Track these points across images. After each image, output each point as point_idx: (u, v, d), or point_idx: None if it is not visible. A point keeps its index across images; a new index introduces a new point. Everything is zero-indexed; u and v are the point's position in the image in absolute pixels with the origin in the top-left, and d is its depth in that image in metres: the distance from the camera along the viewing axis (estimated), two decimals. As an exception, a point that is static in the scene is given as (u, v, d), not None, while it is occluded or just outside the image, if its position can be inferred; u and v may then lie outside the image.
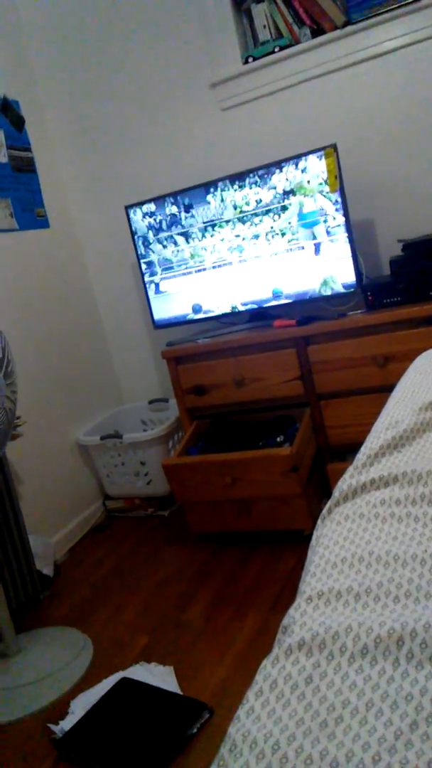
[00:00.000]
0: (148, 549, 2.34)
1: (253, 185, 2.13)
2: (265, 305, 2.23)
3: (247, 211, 2.16)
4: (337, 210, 2.04)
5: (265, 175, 2.11)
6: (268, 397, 2.20)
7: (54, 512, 2.46)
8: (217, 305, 2.30)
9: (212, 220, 2.22)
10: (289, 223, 2.11)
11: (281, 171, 2.08)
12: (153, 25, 2.40)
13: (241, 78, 2.31)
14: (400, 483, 0.90)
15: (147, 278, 2.38)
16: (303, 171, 2.05)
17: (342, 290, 2.09)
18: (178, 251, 2.30)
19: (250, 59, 2.27)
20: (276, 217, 2.13)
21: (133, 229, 2.36)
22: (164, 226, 2.30)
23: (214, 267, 2.26)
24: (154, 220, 2.30)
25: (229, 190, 2.16)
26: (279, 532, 2.16)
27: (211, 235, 2.23)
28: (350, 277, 2.07)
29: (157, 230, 2.31)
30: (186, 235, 2.27)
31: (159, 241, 2.32)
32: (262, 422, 2.28)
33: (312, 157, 2.03)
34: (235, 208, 2.18)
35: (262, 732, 0.53)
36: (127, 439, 2.48)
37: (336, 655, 0.60)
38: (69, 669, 1.71)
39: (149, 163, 2.57)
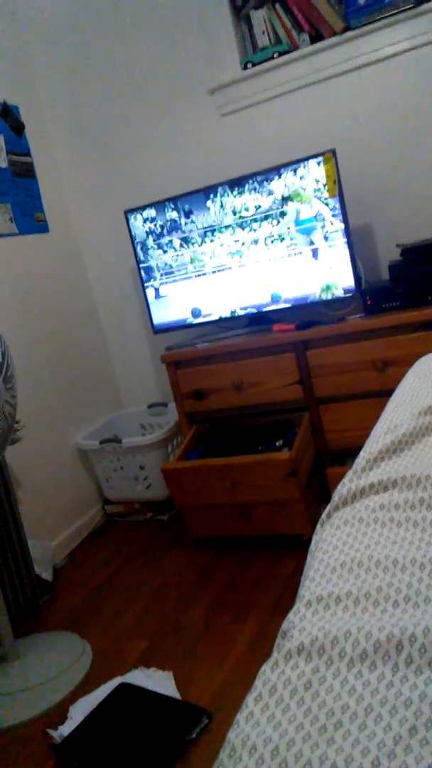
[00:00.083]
0: (147, 553, 2.34)
1: (252, 191, 2.13)
2: (265, 309, 2.24)
3: (246, 217, 2.17)
4: (334, 215, 2.05)
5: (264, 181, 2.11)
6: (268, 401, 2.20)
7: (53, 516, 2.46)
8: (217, 310, 2.31)
9: (212, 226, 2.22)
10: (288, 228, 2.12)
11: (279, 177, 2.09)
12: (152, 31, 2.41)
13: (240, 84, 2.32)
14: (399, 487, 0.90)
15: (147, 283, 2.39)
16: (301, 178, 2.06)
17: (341, 295, 2.10)
18: (177, 256, 2.31)
19: (249, 65, 2.28)
20: (275, 222, 2.13)
21: (133, 234, 2.36)
22: (164, 231, 2.30)
23: (213, 272, 2.27)
24: (155, 225, 2.31)
25: (228, 195, 2.17)
26: (278, 536, 2.15)
27: (211, 241, 2.24)
28: (349, 282, 2.08)
29: (157, 235, 2.32)
30: (186, 241, 2.28)
31: (159, 246, 2.32)
32: (261, 426, 2.28)
33: (310, 163, 2.04)
34: (234, 213, 2.18)
35: (261, 737, 0.53)
36: (126, 444, 2.48)
37: (335, 660, 0.60)
38: (68, 674, 1.71)
39: (148, 168, 2.58)
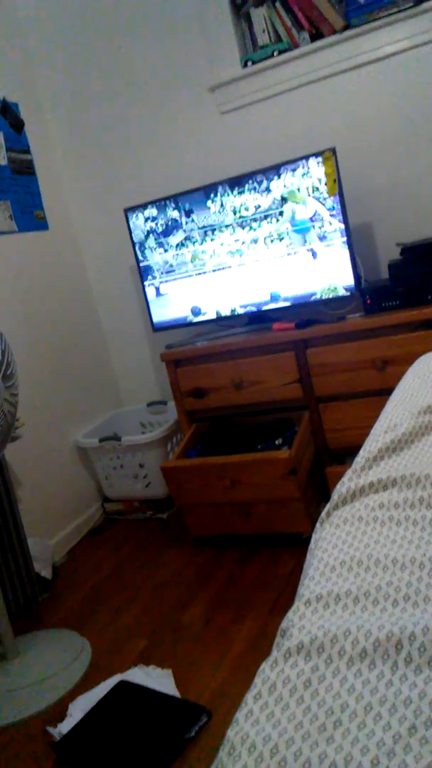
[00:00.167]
0: (146, 552, 2.34)
1: (252, 191, 2.13)
2: (264, 308, 2.24)
3: (246, 217, 2.17)
4: (332, 215, 2.05)
5: (264, 180, 2.11)
6: (267, 400, 2.20)
7: (52, 514, 2.46)
8: (217, 308, 2.31)
9: (212, 225, 2.22)
10: (286, 228, 2.12)
11: (279, 176, 2.09)
12: (153, 28, 2.40)
13: (240, 82, 2.32)
14: (398, 486, 0.90)
15: (147, 281, 2.39)
16: (302, 176, 2.06)
17: (341, 294, 2.10)
18: (177, 255, 2.30)
19: (249, 63, 2.28)
20: (274, 221, 2.13)
21: (133, 232, 2.36)
22: (165, 229, 2.30)
23: (214, 270, 2.27)
24: (156, 224, 2.31)
25: (228, 195, 2.17)
26: (278, 535, 2.15)
27: (212, 240, 2.24)
28: (349, 281, 2.08)
29: (158, 234, 2.32)
30: (187, 239, 2.28)
31: (160, 245, 2.32)
32: (260, 425, 2.28)
33: (308, 162, 2.04)
34: (234, 213, 2.18)
35: (260, 735, 0.53)
36: (125, 442, 2.48)
37: (335, 658, 0.60)
38: (67, 672, 1.71)
39: (148, 165, 2.58)
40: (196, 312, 2.34)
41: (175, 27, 2.37)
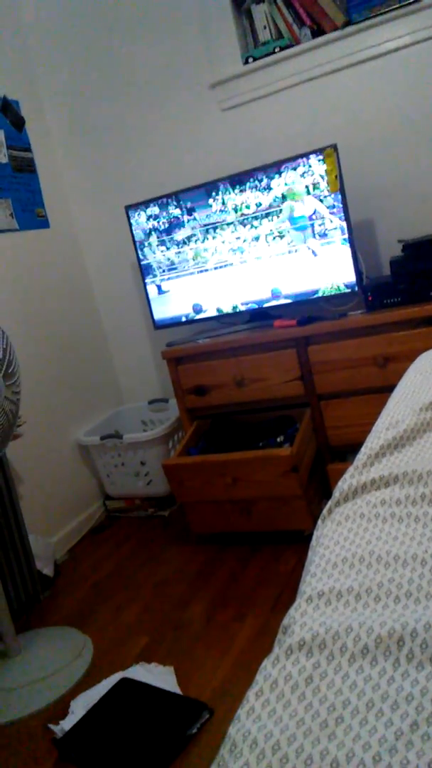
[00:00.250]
0: (148, 549, 2.34)
1: (253, 189, 2.13)
2: (265, 305, 2.23)
3: (248, 215, 2.16)
4: (332, 213, 2.04)
5: (265, 178, 2.11)
6: (269, 397, 2.20)
7: (54, 512, 2.46)
8: (218, 305, 2.30)
9: (214, 223, 2.22)
10: (287, 226, 2.11)
11: (279, 174, 2.08)
12: (153, 25, 2.40)
13: (241, 78, 2.31)
14: (400, 483, 0.90)
15: (148, 279, 2.38)
16: (302, 174, 2.05)
17: (342, 290, 2.09)
18: (179, 252, 2.30)
19: (251, 60, 2.27)
20: (275, 218, 2.13)
21: (133, 229, 2.36)
22: (166, 227, 2.30)
23: (216, 268, 2.26)
24: (158, 222, 2.30)
25: (230, 193, 2.17)
26: (279, 532, 2.15)
27: (213, 237, 2.23)
28: (350, 278, 2.07)
29: (160, 232, 2.31)
30: (188, 237, 2.27)
31: (162, 243, 2.32)
32: (262, 422, 2.28)
33: (309, 159, 2.03)
34: (236, 211, 2.18)
35: (262, 732, 0.53)
36: (127, 440, 2.48)
37: (336, 655, 0.60)
38: (69, 669, 1.71)
39: (149, 163, 2.57)
40: (197, 309, 2.34)
41: (175, 24, 2.36)
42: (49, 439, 2.48)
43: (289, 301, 2.19)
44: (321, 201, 2.04)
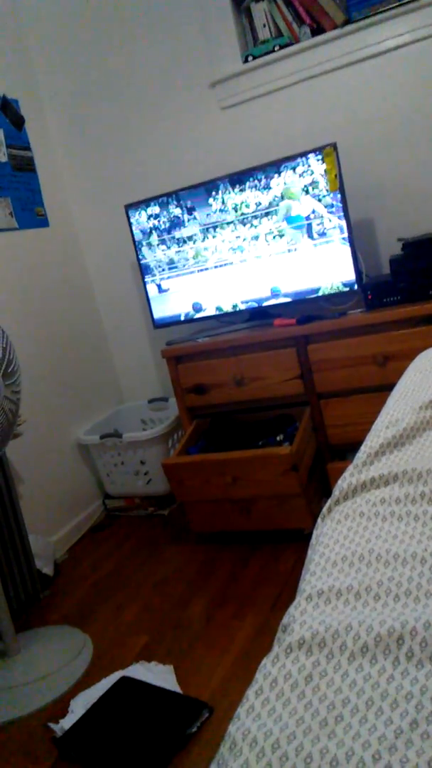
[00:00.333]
0: (148, 548, 2.34)
1: (253, 188, 2.13)
2: (265, 304, 2.23)
3: (247, 214, 2.16)
4: (330, 212, 2.04)
5: (264, 177, 2.11)
6: (268, 396, 2.20)
7: (54, 511, 2.46)
8: (218, 304, 2.30)
9: (214, 223, 2.22)
10: (285, 225, 2.11)
11: (279, 174, 2.08)
12: (153, 24, 2.39)
13: (240, 77, 2.31)
14: (400, 481, 0.90)
15: (148, 278, 2.38)
16: (301, 173, 2.05)
17: (342, 289, 2.09)
18: (180, 251, 2.30)
19: (250, 58, 2.27)
20: (274, 218, 2.13)
21: (133, 229, 2.35)
22: (166, 226, 2.30)
23: (216, 267, 2.26)
24: (158, 221, 2.30)
25: (229, 193, 2.17)
26: (279, 531, 2.15)
27: (213, 237, 2.23)
28: (350, 277, 2.07)
29: (161, 231, 2.31)
30: (189, 237, 2.27)
31: (163, 242, 2.32)
32: (262, 421, 2.28)
33: (308, 158, 2.03)
34: (235, 210, 2.18)
35: (262, 730, 0.53)
36: (126, 439, 2.48)
37: (336, 653, 0.60)
38: (69, 668, 1.71)
39: (149, 162, 2.57)
40: (197, 308, 2.34)
41: (175, 23, 2.36)
42: (49, 439, 2.48)
43: (288, 299, 2.19)
44: (319, 200, 2.04)
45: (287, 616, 0.68)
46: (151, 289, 2.39)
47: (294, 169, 2.06)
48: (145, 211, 2.32)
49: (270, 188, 2.11)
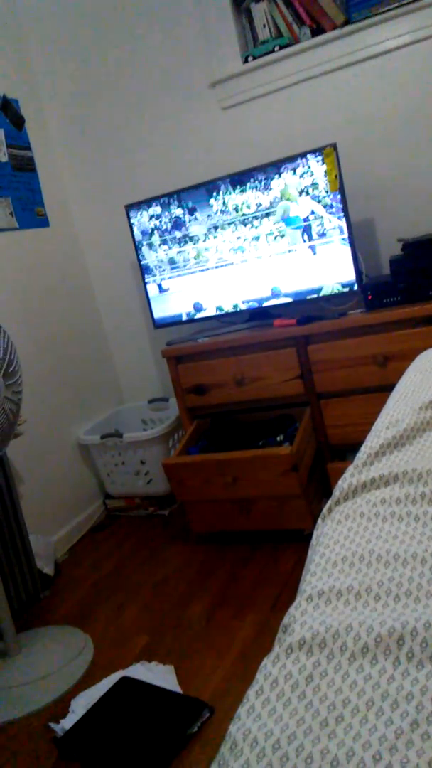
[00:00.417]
0: (148, 548, 2.34)
1: (254, 189, 2.13)
2: (265, 304, 2.23)
3: (248, 214, 2.16)
4: (330, 212, 2.04)
5: (264, 178, 2.11)
6: (269, 396, 2.20)
7: (54, 511, 2.46)
8: (218, 304, 2.30)
9: (215, 223, 2.22)
10: (283, 226, 2.11)
11: (279, 174, 2.08)
12: (153, 24, 2.39)
13: (240, 77, 2.31)
14: (400, 482, 0.90)
15: (148, 278, 2.38)
16: (301, 174, 2.05)
17: (342, 290, 2.09)
18: (180, 252, 2.30)
19: (250, 58, 2.27)
20: (273, 218, 2.13)
21: (133, 229, 2.35)
22: (167, 227, 2.30)
23: (216, 267, 2.26)
24: (160, 221, 2.30)
25: (230, 193, 2.17)
26: (279, 531, 2.16)
27: (214, 237, 2.23)
28: (350, 277, 2.07)
29: (161, 231, 2.31)
30: (189, 237, 2.27)
31: (164, 242, 2.32)
32: (262, 421, 2.28)
33: (307, 159, 2.03)
34: (236, 210, 2.18)
35: (262, 731, 0.53)
36: (127, 439, 2.48)
37: (336, 654, 0.60)
38: (69, 668, 1.71)
39: (149, 162, 2.57)
40: (197, 308, 2.34)
41: (175, 23, 2.36)
42: (50, 439, 2.48)
43: (289, 300, 2.19)
44: (318, 201, 2.04)
45: (288, 617, 0.68)
46: (152, 289, 2.39)
47: (294, 169, 2.06)
48: (146, 211, 2.32)
49: (270, 189, 2.11)
